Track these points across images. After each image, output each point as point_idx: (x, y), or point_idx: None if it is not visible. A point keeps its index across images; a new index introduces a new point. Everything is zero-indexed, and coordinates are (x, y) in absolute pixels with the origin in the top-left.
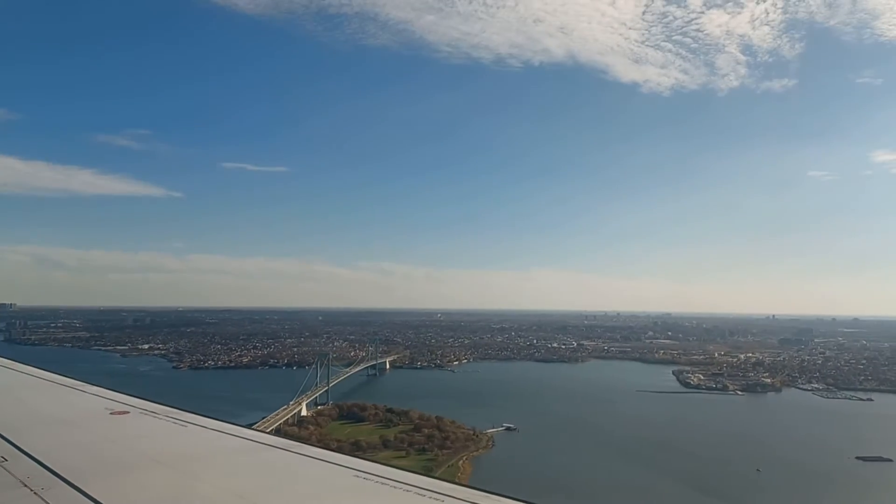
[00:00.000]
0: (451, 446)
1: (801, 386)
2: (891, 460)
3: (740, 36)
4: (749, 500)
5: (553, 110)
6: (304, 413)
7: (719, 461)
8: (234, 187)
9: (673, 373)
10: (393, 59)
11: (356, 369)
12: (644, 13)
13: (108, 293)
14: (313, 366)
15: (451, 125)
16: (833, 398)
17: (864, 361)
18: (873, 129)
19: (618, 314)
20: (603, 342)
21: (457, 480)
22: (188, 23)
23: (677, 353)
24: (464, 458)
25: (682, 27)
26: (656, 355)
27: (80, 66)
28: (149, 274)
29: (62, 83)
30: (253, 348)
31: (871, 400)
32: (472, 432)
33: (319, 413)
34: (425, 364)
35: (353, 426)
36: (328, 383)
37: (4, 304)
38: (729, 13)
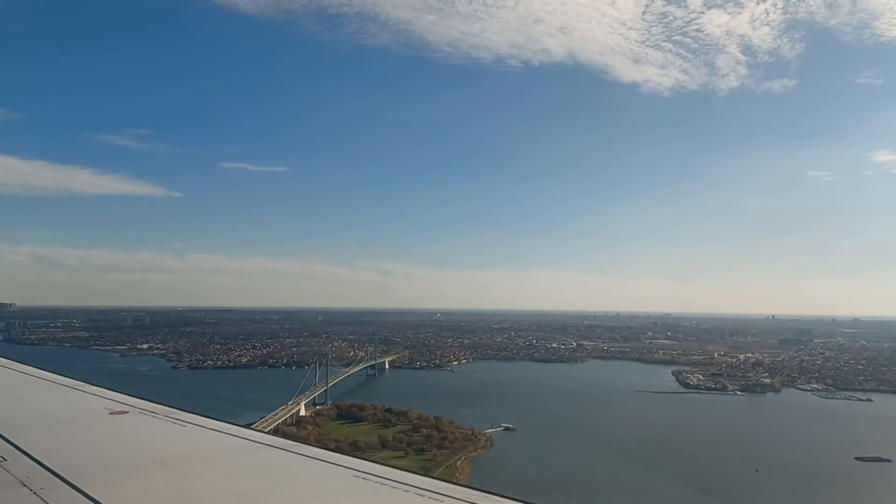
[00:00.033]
0: (449, 446)
1: (801, 386)
2: (890, 461)
3: (740, 36)
4: (748, 501)
5: (553, 110)
6: (302, 413)
7: (718, 461)
8: (234, 187)
9: (672, 373)
10: (393, 58)
11: (355, 369)
12: (644, 13)
13: (108, 293)
14: (312, 366)
15: (451, 125)
16: (832, 398)
17: (863, 362)
18: (873, 130)
19: (617, 314)
20: (602, 342)
21: (455, 481)
22: (188, 23)
23: (677, 354)
24: (462, 458)
25: (683, 27)
26: (656, 355)
27: (80, 66)
28: (149, 274)
29: (62, 83)
30: (252, 348)
31: (871, 400)
32: (470, 432)
33: (318, 413)
34: (424, 364)
35: (352, 426)
36: (327, 383)
37: (4, 303)
38: (729, 13)
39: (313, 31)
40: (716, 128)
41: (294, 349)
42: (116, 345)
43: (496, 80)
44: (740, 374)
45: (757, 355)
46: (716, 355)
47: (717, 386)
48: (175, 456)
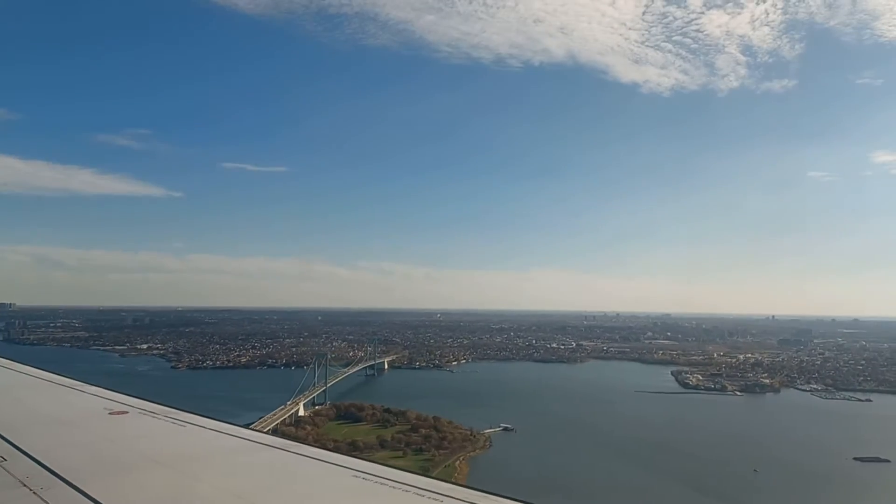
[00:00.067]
0: (448, 446)
1: (800, 386)
2: (888, 461)
3: (740, 36)
4: (746, 501)
5: (553, 110)
6: (301, 413)
7: (717, 462)
8: (234, 187)
9: (672, 373)
10: (393, 59)
11: (354, 369)
12: (644, 13)
13: (108, 293)
14: (311, 366)
15: (451, 125)
16: (831, 399)
17: (863, 362)
18: (873, 130)
19: (617, 315)
20: (602, 342)
21: (455, 481)
22: (188, 23)
23: (676, 354)
24: (461, 458)
25: (682, 28)
26: (655, 356)
27: (80, 66)
28: (149, 274)
29: (62, 83)
30: (252, 348)
31: (870, 401)
32: (469, 433)
33: (317, 413)
34: (424, 364)
35: (351, 426)
36: (326, 383)
37: (4, 303)
38: (729, 14)
39: (313, 32)
40: (716, 128)
41: (293, 349)
42: (116, 345)
43: (496, 80)
44: (740, 375)
45: (756, 355)
46: (715, 355)
47: (717, 386)
48: (174, 456)
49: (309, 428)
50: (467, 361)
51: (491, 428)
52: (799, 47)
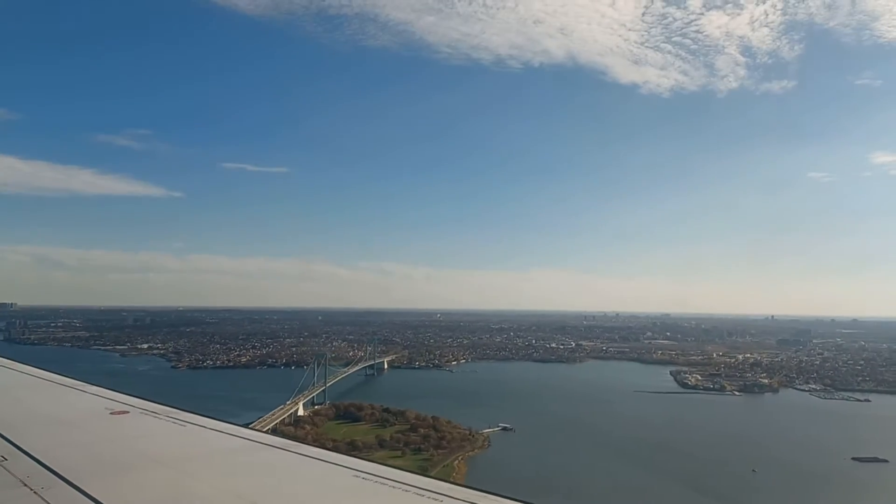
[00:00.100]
0: (446, 446)
1: (799, 387)
2: (887, 461)
3: (740, 37)
4: (745, 501)
5: (553, 111)
6: (300, 413)
7: (716, 462)
8: (234, 187)
9: (671, 373)
10: (393, 59)
11: (354, 369)
12: (644, 14)
13: (109, 293)
14: (311, 366)
15: (451, 125)
16: (830, 399)
17: (861, 362)
18: (873, 131)
19: (617, 315)
20: (601, 342)
21: (454, 481)
22: (188, 23)
23: (675, 354)
24: (459, 458)
25: (682, 28)
26: (654, 356)
27: (80, 66)
28: (149, 274)
29: (62, 83)
30: (252, 348)
31: (869, 401)
32: (468, 432)
33: (316, 413)
34: (423, 364)
35: (350, 426)
36: (325, 383)
37: (5, 303)
38: (728, 15)
39: (313, 32)
40: (715, 129)
41: (294, 349)
42: (116, 345)
43: (496, 80)
44: (739, 375)
45: (755, 355)
46: (714, 355)
47: (716, 386)
48: (175, 456)
49: (308, 427)
50: (467, 361)
51: (490, 428)
52: (798, 48)
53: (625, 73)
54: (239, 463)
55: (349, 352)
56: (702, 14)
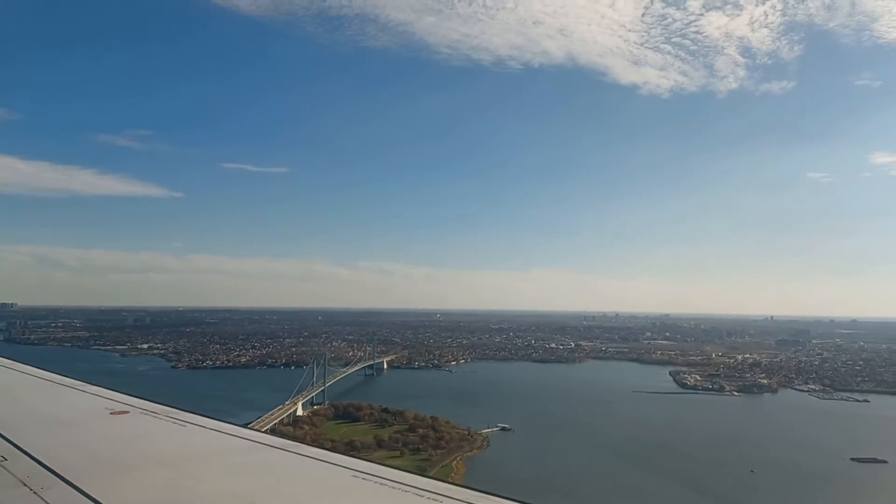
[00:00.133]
0: (445, 446)
1: (798, 387)
2: (885, 462)
3: (739, 38)
4: (744, 501)
5: (552, 111)
6: (300, 413)
7: (714, 462)
8: (234, 187)
9: (670, 373)
10: (393, 60)
11: (353, 369)
12: (643, 15)
13: (109, 293)
14: (310, 366)
15: (451, 125)
16: (829, 399)
17: (861, 363)
18: (872, 131)
19: (616, 315)
20: (601, 343)
21: (454, 481)
22: (188, 23)
23: (674, 354)
24: (458, 458)
25: (682, 29)
26: (653, 356)
27: (80, 66)
28: (149, 274)
29: (62, 83)
30: (251, 348)
31: (868, 401)
32: (466, 432)
33: (315, 413)
34: (423, 364)
35: (349, 426)
36: (324, 383)
37: (5, 303)
38: (728, 15)
39: (314, 33)
40: (715, 129)
41: (293, 349)
42: (116, 345)
43: (496, 81)
44: (738, 375)
45: (755, 356)
46: (713, 356)
47: (715, 386)
48: (175, 456)
49: (307, 428)
50: (466, 361)
51: (488, 428)
52: (798, 49)
53: (625, 73)
54: (238, 463)
55: (349, 352)
56: (701, 15)
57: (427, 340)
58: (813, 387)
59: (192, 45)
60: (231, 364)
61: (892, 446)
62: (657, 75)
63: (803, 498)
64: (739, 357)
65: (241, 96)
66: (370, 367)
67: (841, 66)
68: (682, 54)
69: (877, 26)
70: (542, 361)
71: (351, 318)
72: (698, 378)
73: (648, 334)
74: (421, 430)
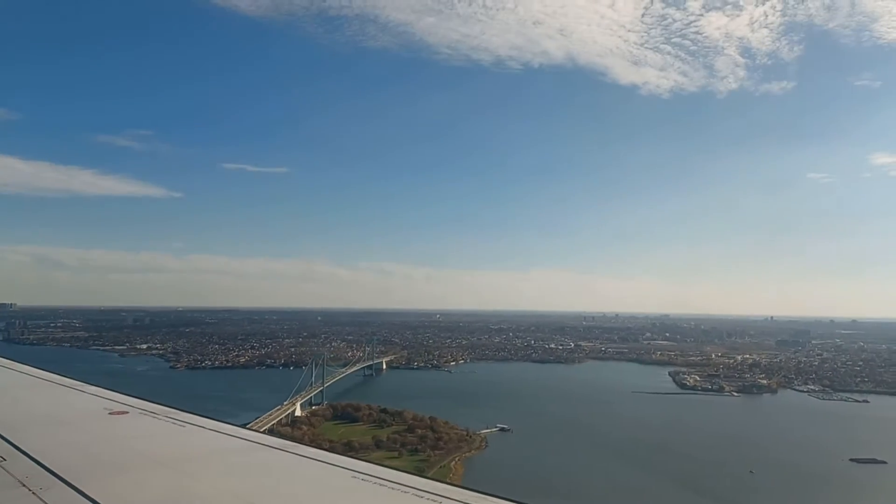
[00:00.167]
0: (443, 447)
1: (798, 387)
2: (885, 462)
3: (739, 38)
4: (742, 502)
5: (552, 111)
6: (298, 413)
7: (714, 462)
8: (234, 187)
9: (669, 374)
10: (393, 60)
11: (352, 369)
12: (643, 15)
13: (109, 293)
14: (309, 366)
15: (450, 126)
16: (829, 400)
17: (860, 363)
18: (872, 132)
19: (616, 315)
20: (600, 343)
21: (452, 482)
22: (188, 23)
23: (674, 355)
24: (456, 458)
25: (682, 30)
26: (653, 356)
27: (80, 66)
28: (149, 274)
29: (62, 83)
30: (251, 348)
31: (867, 402)
32: (465, 433)
33: (313, 413)
34: (422, 364)
35: (347, 426)
36: (323, 383)
37: (4, 303)
38: (728, 16)
39: (314, 33)
40: (715, 129)
41: (292, 349)
42: (116, 345)
43: (496, 81)
44: (737, 376)
45: (754, 356)
46: (713, 356)
47: (714, 387)
48: (174, 456)
49: (305, 428)
50: (466, 362)
51: (487, 428)
52: (798, 49)
53: (624, 73)
54: (237, 463)
55: (348, 352)
56: (701, 15)
57: (426, 341)
58: (812, 387)
59: (191, 45)
60: (230, 364)
61: (891, 447)
62: (657, 75)
63: (802, 498)
64: (739, 357)
65: (241, 96)
66: (369, 367)
67: (841, 67)
68: (682, 55)
69: (877, 26)
70: (542, 362)
71: (350, 318)
72: (698, 378)
73: (648, 335)
74: (419, 431)
